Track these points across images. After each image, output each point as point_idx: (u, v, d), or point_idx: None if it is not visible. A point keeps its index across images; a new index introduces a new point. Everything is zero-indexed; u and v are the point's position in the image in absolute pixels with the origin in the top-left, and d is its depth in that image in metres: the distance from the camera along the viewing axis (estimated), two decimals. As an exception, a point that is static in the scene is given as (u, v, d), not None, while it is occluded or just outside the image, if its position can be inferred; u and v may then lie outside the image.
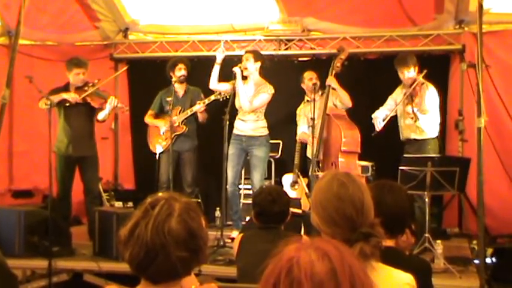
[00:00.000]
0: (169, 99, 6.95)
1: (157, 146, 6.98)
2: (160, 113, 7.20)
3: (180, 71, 6.99)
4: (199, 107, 6.81)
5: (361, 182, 2.28)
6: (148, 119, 7.26)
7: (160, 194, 1.92)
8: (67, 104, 6.55)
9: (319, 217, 2.24)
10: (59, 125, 6.71)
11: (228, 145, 6.62)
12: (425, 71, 6.22)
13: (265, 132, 6.82)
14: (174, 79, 6.97)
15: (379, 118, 6.35)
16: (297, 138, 7.14)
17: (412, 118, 6.15)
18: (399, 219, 2.68)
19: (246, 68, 6.67)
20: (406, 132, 6.40)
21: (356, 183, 2.23)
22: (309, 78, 6.91)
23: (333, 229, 2.19)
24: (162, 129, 7.09)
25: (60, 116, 6.69)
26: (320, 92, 6.81)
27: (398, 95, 6.50)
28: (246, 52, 6.93)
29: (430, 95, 6.21)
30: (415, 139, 6.32)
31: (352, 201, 2.18)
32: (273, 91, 6.72)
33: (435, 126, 6.36)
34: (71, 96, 6.54)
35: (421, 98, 6.15)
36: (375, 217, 2.22)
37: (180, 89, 7.06)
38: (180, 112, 6.97)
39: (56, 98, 6.30)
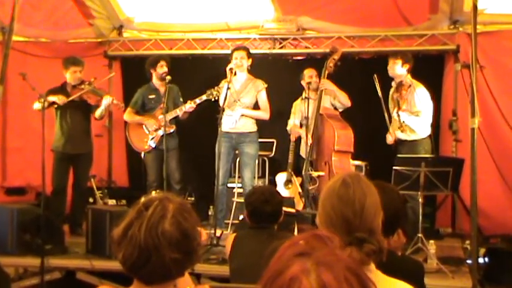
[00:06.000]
0: (151, 97, 6.91)
1: (150, 142, 6.95)
2: (141, 111, 7.11)
3: (162, 68, 6.91)
4: (189, 106, 6.71)
5: (369, 186, 2.18)
6: (129, 116, 7.11)
7: (154, 194, 1.92)
8: (55, 106, 6.60)
9: (319, 216, 2.19)
10: (56, 123, 6.78)
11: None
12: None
13: (255, 128, 6.81)
14: (155, 76, 6.94)
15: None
16: (287, 128, 7.12)
17: (400, 127, 6.06)
18: (391, 220, 2.67)
19: (241, 65, 6.63)
20: (397, 136, 6.25)
21: (360, 185, 2.14)
22: (309, 76, 6.91)
23: (330, 230, 2.09)
24: (147, 128, 7.00)
25: (57, 114, 6.75)
26: (318, 90, 6.80)
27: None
28: (239, 49, 6.85)
29: (420, 96, 6.14)
30: (406, 140, 6.26)
31: (352, 202, 2.09)
32: (265, 84, 6.78)
33: (426, 126, 6.28)
34: (59, 99, 6.56)
35: (408, 102, 6.11)
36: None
37: (161, 86, 6.94)
38: (165, 111, 6.84)
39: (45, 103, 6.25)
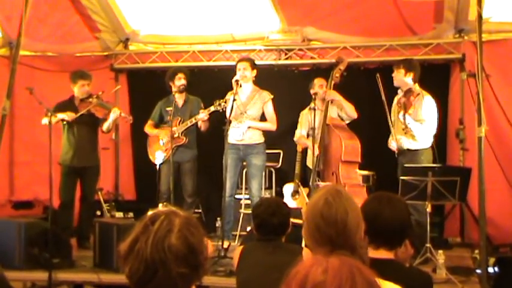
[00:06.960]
0: (169, 109, 6.96)
1: (158, 154, 6.94)
2: (160, 123, 7.18)
3: (180, 81, 6.96)
4: (202, 116, 6.74)
5: (349, 202, 2.25)
6: (148, 128, 7.23)
7: (160, 208, 1.92)
8: (64, 123, 6.66)
9: (304, 231, 2.28)
10: (64, 136, 6.81)
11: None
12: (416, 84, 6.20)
13: (262, 139, 6.81)
14: (174, 89, 6.97)
15: None
16: (295, 139, 7.11)
17: (404, 129, 6.07)
18: (398, 231, 2.67)
19: (245, 77, 6.64)
20: (399, 142, 6.20)
21: (342, 203, 2.22)
22: (320, 85, 6.89)
23: (313, 245, 2.21)
24: (162, 140, 7.06)
25: (65, 128, 6.77)
26: (325, 101, 6.80)
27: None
28: (242, 60, 6.84)
29: (427, 104, 6.13)
30: (408, 149, 6.19)
31: (334, 221, 2.17)
32: (271, 95, 6.78)
33: (429, 136, 6.20)
34: (68, 115, 6.62)
35: (415, 108, 6.09)
36: (368, 233, 2.21)
37: (179, 98, 7.01)
38: (179, 123, 6.93)
39: (54, 119, 6.18)
